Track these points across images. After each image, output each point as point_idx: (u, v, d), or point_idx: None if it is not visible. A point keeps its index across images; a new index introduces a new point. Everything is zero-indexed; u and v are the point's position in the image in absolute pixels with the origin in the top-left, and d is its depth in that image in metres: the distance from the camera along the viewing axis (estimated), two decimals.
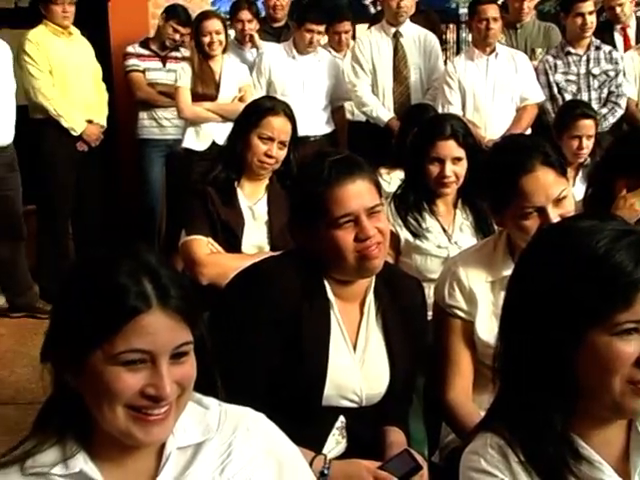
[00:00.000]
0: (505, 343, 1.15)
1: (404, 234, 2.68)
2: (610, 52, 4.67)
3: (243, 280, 1.85)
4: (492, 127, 4.50)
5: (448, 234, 2.68)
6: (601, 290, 1.04)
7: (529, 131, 4.52)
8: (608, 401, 1.08)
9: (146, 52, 5.06)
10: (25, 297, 4.55)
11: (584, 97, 4.55)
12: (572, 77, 4.62)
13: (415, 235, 2.67)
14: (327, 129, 4.87)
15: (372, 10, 6.86)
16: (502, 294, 1.86)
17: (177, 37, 4.99)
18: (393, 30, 4.84)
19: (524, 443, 1.10)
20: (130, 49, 5.04)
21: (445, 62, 5.15)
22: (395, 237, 2.64)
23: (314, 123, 4.72)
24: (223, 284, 2.09)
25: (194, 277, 2.58)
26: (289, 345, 1.73)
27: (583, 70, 4.64)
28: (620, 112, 4.59)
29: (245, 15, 5.16)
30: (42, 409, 1.20)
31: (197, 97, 4.54)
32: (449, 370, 1.98)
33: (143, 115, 5.04)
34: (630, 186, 2.30)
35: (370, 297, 1.83)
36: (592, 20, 4.60)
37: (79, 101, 4.66)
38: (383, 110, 4.79)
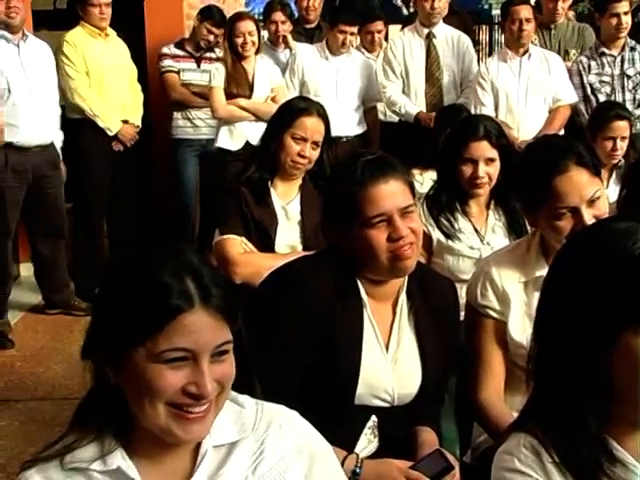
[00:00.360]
0: (539, 344, 1.14)
1: (436, 235, 2.68)
2: None
3: (277, 280, 1.87)
4: (525, 128, 4.48)
5: (480, 235, 2.68)
6: (636, 291, 1.03)
7: (562, 132, 4.49)
8: None
9: (181, 53, 5.10)
10: (61, 294, 4.61)
11: (618, 98, 4.51)
12: (606, 78, 4.58)
13: (447, 236, 2.66)
14: (359, 130, 4.88)
15: (405, 12, 6.84)
16: (535, 294, 1.89)
17: (211, 38, 5.02)
18: (426, 31, 4.83)
19: (558, 444, 1.09)
20: (165, 50, 5.09)
21: (478, 63, 5.13)
22: (427, 238, 2.64)
23: (347, 124, 4.73)
24: (256, 283, 2.12)
25: (228, 276, 2.58)
26: (322, 344, 1.74)
27: (617, 71, 4.60)
28: None
29: (279, 16, 5.19)
30: (81, 405, 1.20)
31: (230, 97, 4.56)
32: (481, 370, 1.98)
33: (177, 115, 5.08)
34: None
35: (403, 297, 1.84)
36: (627, 20, 4.56)
37: (115, 101, 4.72)
38: (411, 105, 4.80)
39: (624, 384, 1.06)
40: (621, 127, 3.66)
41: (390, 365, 1.80)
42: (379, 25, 5.44)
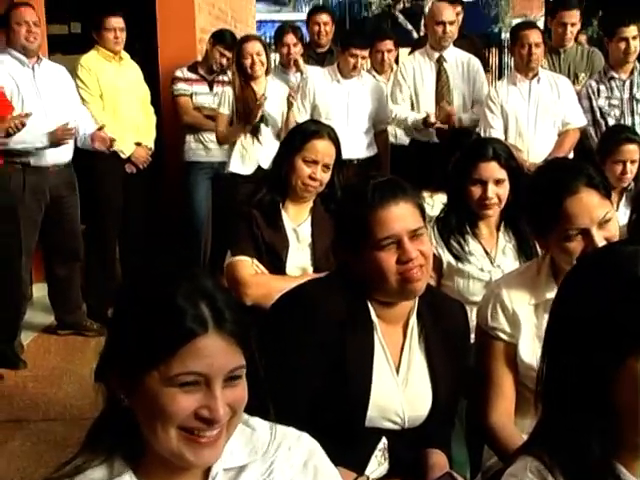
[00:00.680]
0: (547, 366, 1.14)
1: (446, 257, 2.68)
2: None
3: (288, 302, 1.88)
4: (534, 152, 4.48)
5: (491, 257, 2.68)
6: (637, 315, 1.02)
7: (571, 155, 4.50)
8: None
9: (194, 76, 5.15)
10: (74, 315, 4.63)
11: (627, 122, 4.52)
12: (615, 102, 4.60)
13: (457, 258, 2.66)
14: (370, 152, 4.90)
15: (415, 35, 6.89)
16: (545, 317, 1.88)
17: (224, 61, 5.06)
18: (436, 55, 4.87)
19: (565, 468, 1.08)
20: (178, 73, 5.14)
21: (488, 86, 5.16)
22: (437, 260, 2.65)
23: (357, 146, 4.76)
24: (267, 305, 2.12)
25: (238, 297, 2.57)
26: (333, 367, 1.75)
27: (627, 95, 4.61)
28: None
29: (290, 39, 5.24)
30: (93, 426, 1.20)
31: (240, 119, 4.58)
32: (491, 393, 1.97)
33: (190, 138, 5.13)
34: None
35: (413, 319, 1.84)
36: (635, 45, 4.57)
37: (128, 124, 4.77)
38: (417, 114, 4.82)
39: (628, 408, 1.06)
40: (631, 150, 3.66)
41: (401, 388, 1.81)
42: (389, 44, 5.48)
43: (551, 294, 1.90)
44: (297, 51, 5.25)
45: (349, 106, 4.85)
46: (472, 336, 2.07)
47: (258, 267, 2.68)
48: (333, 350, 1.74)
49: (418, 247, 1.76)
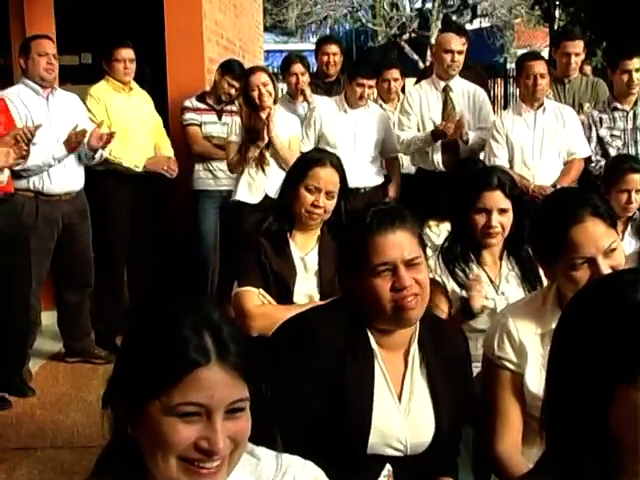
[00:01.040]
0: (549, 393, 1.15)
1: (451, 285, 2.69)
2: None
3: (287, 330, 1.90)
4: (540, 181, 4.48)
5: (495, 285, 2.69)
6: (632, 344, 1.02)
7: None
8: None
9: (203, 106, 5.19)
10: (82, 343, 4.66)
11: (630, 152, 4.54)
12: (617, 132, 4.63)
13: (462, 286, 2.68)
14: (377, 181, 4.93)
15: (421, 65, 6.96)
16: None
17: (232, 91, 5.08)
18: (443, 84, 4.90)
19: None
20: (187, 103, 5.18)
21: None
22: (445, 289, 2.68)
23: (364, 175, 4.78)
24: None
25: (244, 329, 2.56)
26: (333, 395, 1.76)
27: (630, 125, 4.65)
28: None
29: (298, 68, 5.29)
30: (100, 455, 1.21)
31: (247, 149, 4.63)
32: (498, 422, 1.98)
33: (199, 167, 5.16)
34: None
35: (414, 347, 1.85)
36: (638, 77, 4.61)
37: (137, 153, 4.81)
38: (423, 133, 4.82)
39: (627, 434, 1.05)
40: (636, 180, 3.67)
41: (403, 415, 1.82)
42: (395, 73, 5.53)
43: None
44: (305, 80, 5.31)
45: (356, 135, 4.88)
46: (478, 364, 2.09)
47: (265, 297, 2.68)
48: (332, 377, 1.76)
49: (414, 275, 1.78)
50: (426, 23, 21.16)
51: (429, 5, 21.33)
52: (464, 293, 2.67)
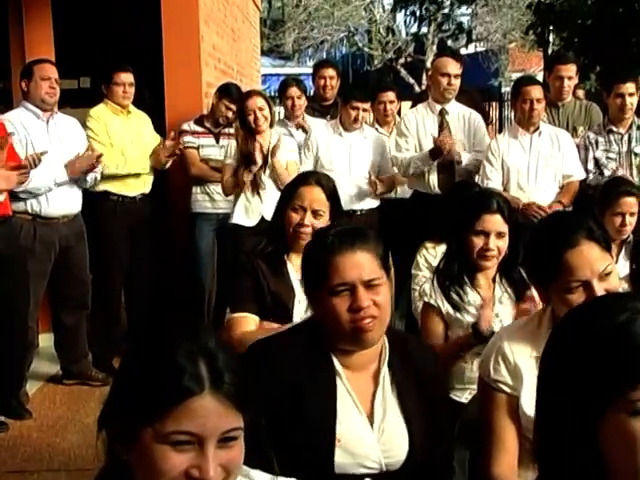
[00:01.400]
0: (539, 416, 1.14)
1: (445, 307, 2.71)
2: None
3: (251, 352, 1.91)
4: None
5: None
6: (616, 365, 1.02)
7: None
8: None
9: (200, 129, 5.23)
10: (79, 365, 4.65)
11: (625, 174, 4.58)
12: (612, 155, 4.68)
13: (456, 308, 2.70)
14: (373, 203, 4.94)
15: (417, 89, 7.02)
16: None
17: (230, 114, 5.11)
18: (439, 107, 4.93)
19: None
20: (185, 126, 5.22)
21: None
22: (439, 311, 2.71)
23: (359, 198, 4.82)
24: None
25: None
26: (294, 414, 1.76)
27: (624, 148, 4.69)
28: None
29: (294, 92, 5.35)
30: (95, 478, 1.21)
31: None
32: (494, 445, 1.98)
33: (196, 190, 5.18)
34: None
35: (384, 368, 1.86)
36: (632, 101, 4.66)
37: (136, 176, 4.85)
38: (419, 153, 4.82)
39: (616, 457, 1.05)
40: (630, 203, 3.70)
41: (377, 435, 1.81)
42: (391, 95, 5.57)
43: None
44: (301, 103, 5.36)
45: (351, 158, 4.91)
46: (474, 387, 2.09)
47: (257, 323, 2.68)
48: (292, 401, 1.76)
49: (372, 297, 1.78)
50: (422, 47, 21.32)
51: (425, 30, 21.50)
52: (458, 315, 2.69)
